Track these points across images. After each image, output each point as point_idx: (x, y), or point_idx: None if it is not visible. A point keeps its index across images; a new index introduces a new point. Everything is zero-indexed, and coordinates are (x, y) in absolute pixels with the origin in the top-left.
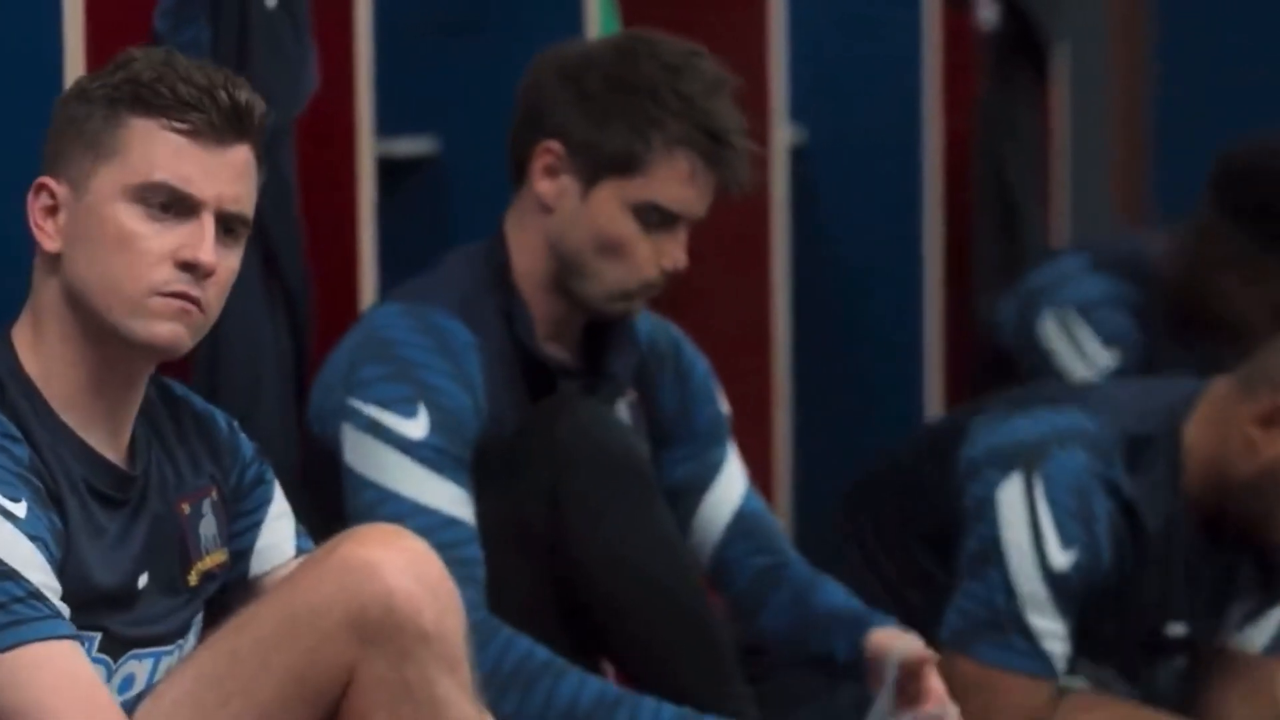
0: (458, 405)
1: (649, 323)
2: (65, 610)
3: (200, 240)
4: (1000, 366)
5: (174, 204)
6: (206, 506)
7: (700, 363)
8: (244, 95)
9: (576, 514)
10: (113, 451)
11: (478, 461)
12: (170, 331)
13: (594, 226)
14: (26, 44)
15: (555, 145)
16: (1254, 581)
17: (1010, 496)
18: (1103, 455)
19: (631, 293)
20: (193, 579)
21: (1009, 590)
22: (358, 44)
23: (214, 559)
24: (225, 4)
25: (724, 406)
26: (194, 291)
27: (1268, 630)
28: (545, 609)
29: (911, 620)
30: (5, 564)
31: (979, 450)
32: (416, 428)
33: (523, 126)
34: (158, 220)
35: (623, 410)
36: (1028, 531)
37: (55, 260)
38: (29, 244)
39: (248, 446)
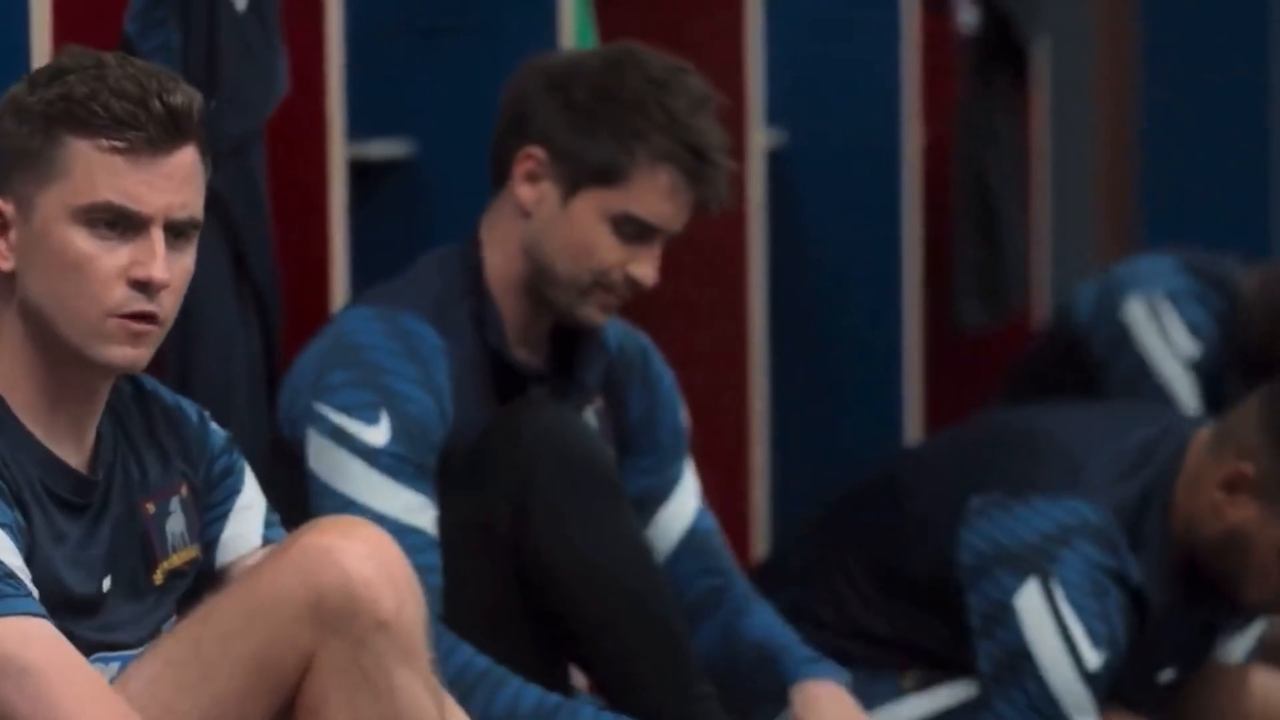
0: (422, 412)
1: (619, 330)
2: (37, 593)
3: (151, 257)
4: (1052, 359)
5: (120, 221)
6: (174, 504)
7: (667, 374)
8: (179, 98)
9: (542, 518)
10: (75, 456)
11: (443, 465)
12: (127, 354)
13: (570, 234)
14: None
15: (538, 152)
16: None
17: (1031, 604)
18: (1108, 545)
19: (585, 285)
20: (158, 578)
21: (1051, 698)
22: (328, 46)
23: (183, 556)
24: (195, 7)
25: (685, 420)
26: (149, 308)
27: (1246, 642)
28: (511, 614)
29: (879, 646)
30: None
31: (984, 544)
32: (378, 435)
33: (507, 131)
34: (105, 239)
35: (590, 417)
36: (1059, 640)
37: (10, 278)
38: None
39: (218, 436)
